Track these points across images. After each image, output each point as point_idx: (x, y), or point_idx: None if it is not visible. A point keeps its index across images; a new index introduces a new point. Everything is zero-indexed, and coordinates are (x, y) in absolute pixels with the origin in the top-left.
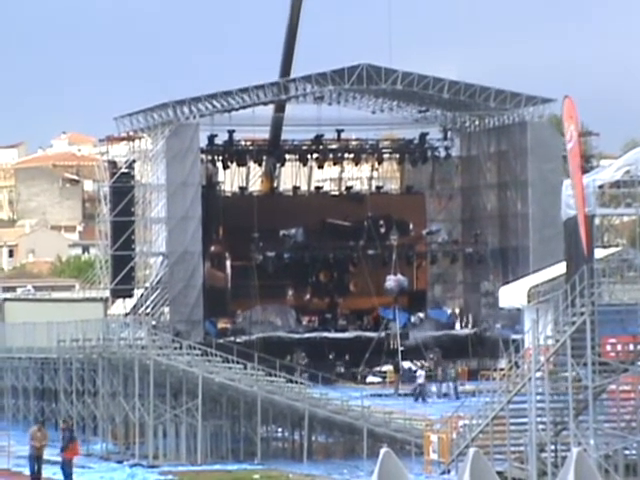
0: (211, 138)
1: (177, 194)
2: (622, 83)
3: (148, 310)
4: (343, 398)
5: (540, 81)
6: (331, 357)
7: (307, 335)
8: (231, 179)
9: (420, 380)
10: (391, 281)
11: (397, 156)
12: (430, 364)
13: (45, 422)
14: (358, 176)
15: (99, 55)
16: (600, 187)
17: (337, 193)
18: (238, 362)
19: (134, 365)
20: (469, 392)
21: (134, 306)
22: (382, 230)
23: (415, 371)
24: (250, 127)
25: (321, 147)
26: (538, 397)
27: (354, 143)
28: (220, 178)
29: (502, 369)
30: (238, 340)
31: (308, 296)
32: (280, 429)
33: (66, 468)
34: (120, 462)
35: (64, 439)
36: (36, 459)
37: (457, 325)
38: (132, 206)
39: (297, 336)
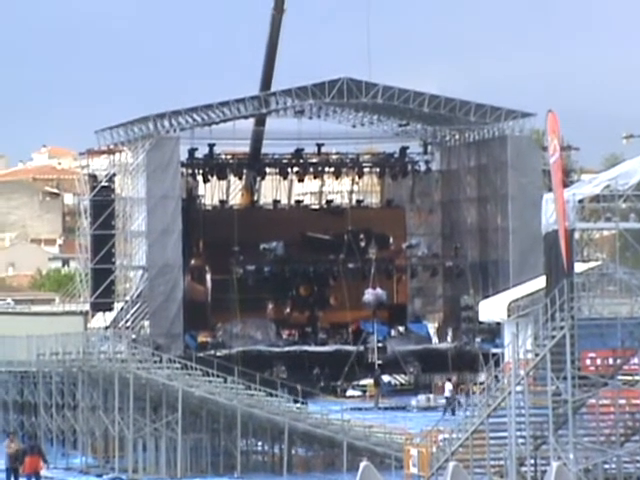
0: (191, 151)
1: (157, 207)
2: (602, 98)
3: (128, 324)
4: (323, 412)
5: (520, 95)
6: (313, 371)
7: (287, 349)
8: (211, 192)
9: (448, 393)
10: (369, 294)
11: (377, 170)
12: (410, 378)
13: (17, 432)
14: (338, 190)
15: (80, 68)
16: (580, 201)
17: (317, 207)
18: (218, 376)
19: (114, 379)
20: None
21: (114, 320)
22: (362, 244)
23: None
24: (230, 141)
25: (301, 161)
26: (518, 411)
27: (334, 157)
28: (200, 191)
29: (482, 383)
30: (218, 354)
31: (288, 310)
32: (260, 442)
33: None
34: (100, 476)
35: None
36: (13, 471)
37: (437, 339)
38: (112, 219)
39: (277, 350)
